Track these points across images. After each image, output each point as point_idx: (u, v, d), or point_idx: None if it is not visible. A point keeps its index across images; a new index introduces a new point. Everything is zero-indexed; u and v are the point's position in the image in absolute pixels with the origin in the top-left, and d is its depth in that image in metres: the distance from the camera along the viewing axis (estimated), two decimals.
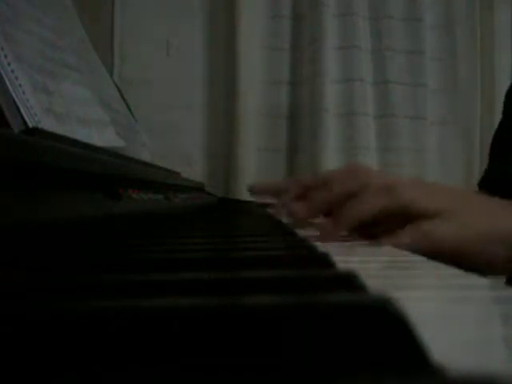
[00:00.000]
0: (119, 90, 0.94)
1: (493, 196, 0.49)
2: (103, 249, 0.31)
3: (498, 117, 1.53)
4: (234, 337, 0.12)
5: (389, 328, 0.12)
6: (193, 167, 1.44)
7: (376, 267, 0.29)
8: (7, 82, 0.40)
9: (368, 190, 0.43)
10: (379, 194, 0.43)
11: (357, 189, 0.44)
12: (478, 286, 0.23)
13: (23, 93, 0.41)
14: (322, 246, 0.33)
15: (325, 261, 0.25)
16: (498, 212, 0.45)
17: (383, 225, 0.44)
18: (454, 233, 0.42)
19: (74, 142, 0.42)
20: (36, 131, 0.37)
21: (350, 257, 0.32)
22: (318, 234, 0.45)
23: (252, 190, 0.60)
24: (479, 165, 1.53)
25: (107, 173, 0.43)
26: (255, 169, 1.46)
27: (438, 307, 0.18)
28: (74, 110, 0.52)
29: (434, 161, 1.53)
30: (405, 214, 0.42)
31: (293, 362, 0.11)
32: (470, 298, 0.20)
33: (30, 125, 0.40)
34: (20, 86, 0.41)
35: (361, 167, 0.49)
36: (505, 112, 0.84)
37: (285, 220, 0.59)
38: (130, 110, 0.97)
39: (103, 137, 0.59)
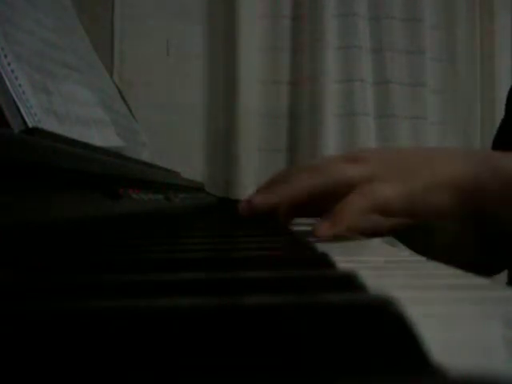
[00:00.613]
0: (119, 91, 0.94)
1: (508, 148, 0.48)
2: (103, 249, 0.31)
3: (498, 117, 1.54)
4: (234, 337, 0.12)
5: (389, 328, 0.12)
6: (193, 167, 1.44)
7: (376, 267, 0.29)
8: (7, 82, 0.40)
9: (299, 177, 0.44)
10: (306, 177, 0.43)
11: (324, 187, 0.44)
12: (478, 286, 0.23)
13: (23, 93, 0.41)
14: (321, 246, 0.33)
15: (325, 261, 0.25)
16: (453, 161, 0.44)
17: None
18: (400, 192, 0.42)
19: (74, 142, 0.42)
20: (36, 131, 0.37)
21: (350, 257, 0.32)
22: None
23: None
24: None
25: (107, 173, 0.43)
26: (255, 169, 1.46)
27: (438, 307, 0.18)
28: (73, 110, 0.52)
29: None
30: (339, 190, 0.42)
31: (293, 362, 0.11)
32: (470, 299, 0.20)
33: (30, 125, 0.40)
34: (20, 85, 0.41)
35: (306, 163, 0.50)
36: (507, 110, 0.84)
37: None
38: (129, 110, 0.97)
39: (103, 137, 0.59)
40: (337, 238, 0.42)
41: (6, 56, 0.41)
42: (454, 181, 0.42)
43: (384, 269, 0.29)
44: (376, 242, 0.45)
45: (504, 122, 0.85)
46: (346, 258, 0.30)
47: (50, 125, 0.44)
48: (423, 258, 0.32)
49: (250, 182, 1.45)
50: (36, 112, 0.42)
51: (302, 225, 0.59)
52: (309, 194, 0.44)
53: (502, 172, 0.42)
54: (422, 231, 0.55)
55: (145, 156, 0.88)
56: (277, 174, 0.50)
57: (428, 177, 0.43)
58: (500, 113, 0.93)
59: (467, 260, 0.49)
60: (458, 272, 0.26)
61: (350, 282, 0.18)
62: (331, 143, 1.44)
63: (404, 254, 0.36)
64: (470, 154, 0.45)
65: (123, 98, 0.95)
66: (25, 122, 0.39)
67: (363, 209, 0.41)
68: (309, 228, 0.53)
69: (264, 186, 0.49)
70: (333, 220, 0.41)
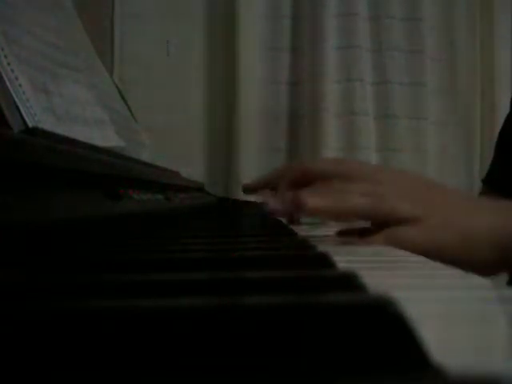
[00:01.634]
0: (119, 91, 0.94)
1: (497, 191, 0.48)
2: (103, 249, 0.31)
3: (498, 117, 1.53)
4: (234, 337, 0.12)
5: (389, 328, 0.12)
6: (193, 167, 1.44)
7: (376, 267, 0.29)
8: (7, 82, 0.40)
9: (352, 190, 0.43)
10: (362, 199, 0.42)
11: (337, 174, 0.44)
12: (478, 286, 0.23)
13: (23, 93, 0.41)
14: (322, 246, 0.33)
15: (325, 261, 0.25)
16: (485, 212, 0.43)
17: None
18: (424, 236, 0.41)
19: (74, 142, 0.42)
20: (36, 131, 0.37)
21: (349, 257, 0.32)
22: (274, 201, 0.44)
23: (247, 189, 0.59)
24: (479, 165, 1.53)
25: (107, 173, 0.43)
26: (255, 169, 1.46)
27: (438, 307, 0.18)
28: (73, 110, 0.52)
29: (434, 161, 1.53)
30: (385, 220, 0.42)
31: (293, 361, 0.11)
32: (470, 298, 0.20)
33: (30, 125, 0.40)
34: (20, 85, 0.41)
35: (348, 160, 0.49)
36: None
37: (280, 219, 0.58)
38: (129, 110, 0.97)
39: (103, 137, 0.59)
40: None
41: (6, 56, 0.41)
42: (492, 234, 0.42)
43: (384, 269, 0.29)
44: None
45: (508, 118, 0.85)
46: (345, 257, 0.30)
47: (50, 125, 0.44)
48: (423, 258, 0.32)
49: (249, 181, 1.44)
50: (36, 112, 0.42)
51: (302, 225, 0.59)
52: (356, 215, 0.43)
53: None
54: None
55: (145, 156, 0.88)
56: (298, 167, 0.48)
57: (466, 229, 0.42)
58: (500, 113, 0.93)
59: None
60: (458, 272, 0.26)
61: (350, 282, 0.18)
62: (331, 143, 1.44)
63: (404, 253, 0.36)
64: (497, 206, 0.45)
65: (123, 97, 0.95)
66: (25, 122, 0.39)
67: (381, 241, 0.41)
68: (309, 228, 0.53)
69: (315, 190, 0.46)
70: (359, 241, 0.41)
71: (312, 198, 0.41)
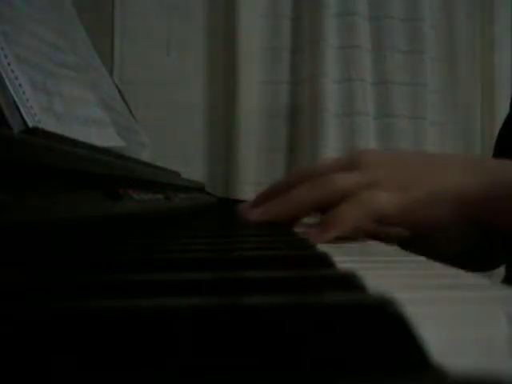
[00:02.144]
0: (119, 90, 0.94)
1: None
2: (103, 249, 0.31)
3: (498, 117, 1.53)
4: (234, 337, 0.12)
5: (388, 328, 0.12)
6: (193, 167, 1.44)
7: (376, 267, 0.29)
8: (7, 82, 0.40)
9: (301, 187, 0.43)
10: (303, 189, 0.43)
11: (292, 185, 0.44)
12: (478, 285, 0.23)
13: (23, 93, 0.41)
14: (322, 246, 0.33)
15: (325, 261, 0.25)
16: (455, 170, 0.42)
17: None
18: (398, 204, 0.41)
19: (74, 142, 0.42)
20: (36, 131, 0.37)
21: (349, 257, 0.32)
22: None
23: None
24: None
25: (107, 173, 0.43)
26: (255, 169, 1.46)
27: (438, 307, 0.18)
28: (74, 110, 0.52)
29: None
30: (337, 198, 0.42)
31: (293, 362, 0.11)
32: (470, 298, 0.20)
33: (30, 125, 0.40)
34: (20, 85, 0.41)
35: (302, 168, 0.50)
36: None
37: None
38: (129, 110, 0.97)
39: (103, 137, 0.59)
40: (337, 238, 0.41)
41: (6, 56, 0.41)
42: (457, 193, 0.41)
43: (384, 269, 0.29)
44: (376, 242, 0.45)
45: (509, 117, 0.85)
46: (345, 257, 0.30)
47: (50, 125, 0.44)
48: (423, 258, 0.32)
49: (249, 182, 1.45)
50: (36, 112, 0.42)
51: (301, 225, 0.59)
52: (309, 209, 0.44)
53: (507, 185, 0.41)
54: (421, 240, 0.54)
55: (145, 156, 0.88)
56: (277, 183, 0.49)
57: (429, 187, 0.41)
58: (500, 113, 0.93)
59: (460, 252, 0.48)
60: (458, 272, 0.26)
61: (350, 281, 0.18)
62: (331, 143, 1.44)
63: (404, 253, 0.36)
64: (472, 163, 0.44)
65: (123, 97, 0.95)
66: (25, 122, 0.39)
67: (356, 216, 0.40)
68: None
69: (264, 194, 0.48)
70: (324, 227, 0.41)
71: (257, 212, 0.44)
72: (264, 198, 0.48)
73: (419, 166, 0.44)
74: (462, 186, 0.41)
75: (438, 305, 0.19)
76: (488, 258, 0.57)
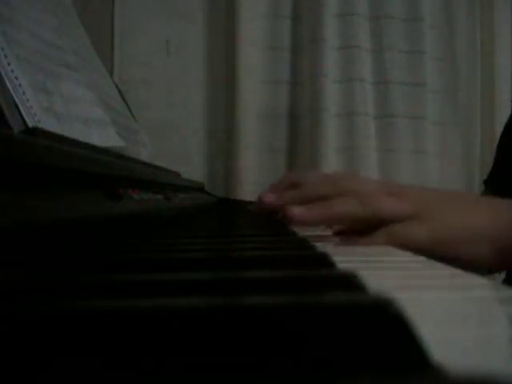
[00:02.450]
0: (119, 90, 0.94)
1: (498, 192, 0.48)
2: (103, 249, 0.31)
3: (498, 117, 1.53)
4: (235, 337, 0.12)
5: (389, 328, 0.12)
6: (193, 167, 1.44)
7: (376, 267, 0.29)
8: (7, 82, 0.40)
9: (338, 197, 0.44)
10: (348, 202, 0.43)
11: (328, 194, 0.44)
12: (479, 285, 0.23)
13: (23, 93, 0.41)
14: (322, 246, 0.33)
15: (325, 261, 0.25)
16: (484, 211, 0.44)
17: (357, 227, 0.44)
18: (426, 233, 0.41)
19: (74, 142, 0.42)
20: (36, 131, 0.37)
21: (349, 257, 0.32)
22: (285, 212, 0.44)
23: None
24: (479, 165, 1.53)
25: (107, 173, 0.43)
26: (255, 169, 1.46)
27: (438, 307, 0.18)
28: (74, 110, 0.52)
29: (434, 161, 1.53)
30: (378, 220, 0.43)
31: (293, 361, 0.11)
32: (470, 298, 0.20)
33: (30, 125, 0.40)
34: (20, 85, 0.41)
35: (342, 176, 0.49)
36: None
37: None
38: (129, 110, 0.97)
39: (103, 137, 0.59)
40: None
41: (6, 56, 0.41)
42: (492, 233, 0.42)
43: (384, 269, 0.29)
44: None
45: (510, 121, 0.85)
46: (345, 258, 0.30)
47: (50, 125, 0.44)
48: (423, 258, 0.32)
49: (249, 182, 1.45)
50: (36, 112, 0.42)
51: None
52: (348, 221, 0.44)
53: None
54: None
55: (145, 156, 0.88)
56: (313, 181, 0.49)
57: (462, 225, 0.42)
58: (500, 113, 0.93)
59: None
60: (458, 272, 0.26)
61: (350, 281, 0.18)
62: (331, 143, 1.44)
63: (404, 254, 0.36)
64: (494, 204, 0.45)
65: (123, 97, 0.95)
66: (25, 122, 0.39)
67: (388, 244, 0.41)
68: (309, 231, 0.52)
69: (297, 194, 0.47)
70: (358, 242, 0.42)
71: (299, 210, 0.43)
72: (302, 196, 0.47)
73: (456, 204, 0.45)
74: (495, 225, 0.42)
75: (438, 305, 0.19)
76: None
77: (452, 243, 0.42)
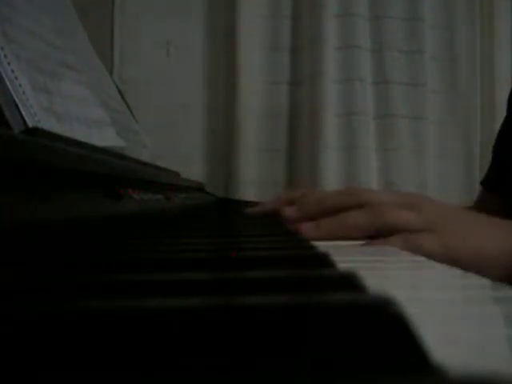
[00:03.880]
0: (119, 90, 0.94)
1: (495, 193, 0.48)
2: (103, 249, 0.31)
3: (498, 117, 1.53)
4: (235, 337, 0.12)
5: (389, 328, 0.12)
6: (193, 167, 1.44)
7: (376, 267, 0.29)
8: (7, 82, 0.40)
9: (356, 209, 0.45)
10: (367, 213, 0.44)
11: (347, 205, 0.45)
12: (479, 286, 0.23)
13: (23, 93, 0.41)
14: (322, 246, 0.33)
15: (325, 261, 0.25)
16: (497, 232, 0.45)
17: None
18: (439, 246, 0.42)
19: (74, 142, 0.42)
20: (36, 131, 0.37)
21: (350, 257, 0.32)
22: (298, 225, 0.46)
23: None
24: (479, 165, 1.53)
25: (107, 173, 0.43)
26: (255, 169, 1.46)
27: (439, 307, 0.18)
28: (73, 110, 0.52)
29: (434, 161, 1.53)
30: (390, 231, 0.43)
31: (293, 361, 0.11)
32: (471, 299, 0.20)
33: (30, 125, 0.40)
34: (20, 85, 0.41)
35: (356, 188, 0.50)
36: (509, 110, 0.84)
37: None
38: (130, 110, 0.97)
39: (103, 137, 0.59)
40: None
41: (6, 56, 0.41)
42: (505, 254, 0.43)
43: (384, 269, 0.29)
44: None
45: (506, 121, 0.85)
46: (346, 257, 0.30)
47: (50, 125, 0.44)
48: (423, 258, 0.32)
49: (249, 182, 1.45)
50: (36, 112, 0.42)
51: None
52: (361, 234, 0.44)
53: None
54: None
55: (145, 156, 0.88)
56: (324, 194, 0.50)
57: (480, 249, 0.43)
58: (500, 112, 0.93)
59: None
60: (458, 272, 0.26)
61: (350, 281, 0.18)
62: (331, 143, 1.44)
63: (404, 254, 0.36)
64: (502, 225, 0.46)
65: (123, 97, 0.95)
66: (25, 122, 0.39)
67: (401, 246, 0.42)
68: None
69: (311, 208, 0.48)
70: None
71: (314, 230, 0.44)
72: (309, 209, 0.48)
73: (468, 223, 0.46)
74: (507, 247, 0.43)
75: (438, 305, 0.19)
76: None
77: (463, 263, 0.41)
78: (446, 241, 0.42)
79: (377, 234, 0.44)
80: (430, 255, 0.41)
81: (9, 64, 0.41)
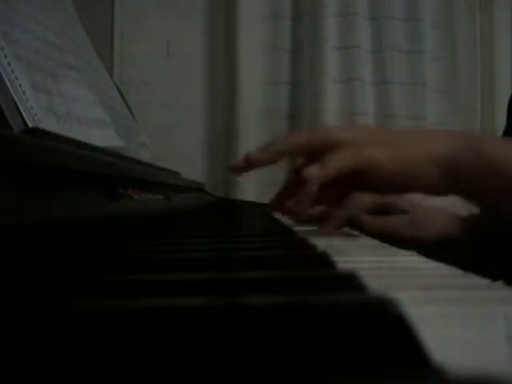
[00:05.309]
0: (119, 90, 0.94)
1: None
2: (103, 249, 0.31)
3: (498, 117, 1.53)
4: (235, 336, 0.12)
5: (389, 328, 0.12)
6: (193, 167, 1.44)
7: (376, 267, 0.29)
8: (7, 82, 0.40)
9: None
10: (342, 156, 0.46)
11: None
12: (479, 286, 0.23)
13: (23, 93, 0.41)
14: (322, 246, 0.33)
15: (325, 261, 0.25)
16: (439, 138, 0.47)
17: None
18: (389, 155, 0.46)
19: (74, 142, 0.42)
20: (36, 131, 0.37)
21: (350, 257, 0.32)
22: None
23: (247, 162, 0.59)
24: None
25: (107, 173, 0.43)
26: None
27: (438, 307, 0.18)
28: (74, 110, 0.52)
29: None
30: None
31: (293, 361, 0.11)
32: (471, 299, 0.20)
33: (30, 125, 0.40)
34: (20, 86, 0.41)
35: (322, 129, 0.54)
36: (509, 118, 0.84)
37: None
38: (129, 110, 0.97)
39: (103, 137, 0.59)
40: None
41: (6, 56, 0.41)
42: (433, 156, 0.45)
43: (384, 269, 0.29)
44: (376, 242, 0.45)
45: (506, 130, 0.85)
46: (345, 258, 0.30)
47: (50, 125, 0.44)
48: (423, 258, 0.32)
49: (249, 182, 1.45)
50: (36, 112, 0.42)
51: (302, 225, 0.59)
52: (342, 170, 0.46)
53: (485, 156, 0.44)
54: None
55: (145, 156, 0.88)
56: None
57: (415, 149, 0.46)
58: (500, 113, 0.93)
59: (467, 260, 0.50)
60: (458, 272, 0.26)
61: (350, 282, 0.18)
62: None
63: (404, 254, 0.36)
64: (459, 135, 0.48)
65: (123, 97, 0.95)
66: (25, 122, 0.39)
67: (351, 160, 0.45)
68: (309, 228, 0.53)
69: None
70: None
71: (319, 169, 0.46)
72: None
73: (410, 133, 0.51)
74: (440, 150, 0.46)
75: (438, 305, 0.19)
76: (491, 265, 0.58)
77: (409, 165, 0.46)
78: (396, 150, 0.46)
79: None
80: (380, 167, 0.45)
81: (9, 64, 0.41)
